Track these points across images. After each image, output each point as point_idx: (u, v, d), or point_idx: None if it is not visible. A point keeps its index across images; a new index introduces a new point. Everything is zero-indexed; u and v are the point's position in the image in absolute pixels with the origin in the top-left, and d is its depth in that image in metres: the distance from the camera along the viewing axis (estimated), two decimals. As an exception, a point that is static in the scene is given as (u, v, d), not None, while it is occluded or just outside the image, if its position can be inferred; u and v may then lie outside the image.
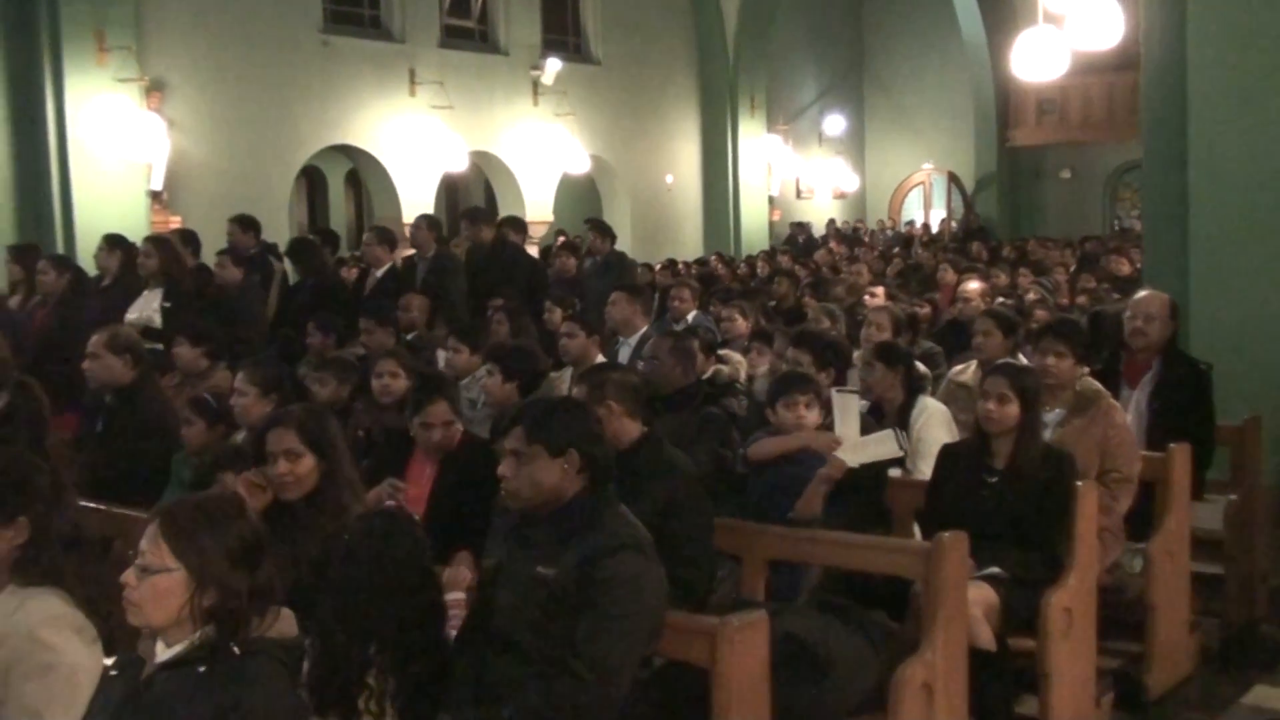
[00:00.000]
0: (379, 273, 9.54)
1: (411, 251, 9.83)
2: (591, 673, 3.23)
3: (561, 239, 15.81)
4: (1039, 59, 10.13)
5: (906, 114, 26.59)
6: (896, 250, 19.13)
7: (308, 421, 4.06)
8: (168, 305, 8.08)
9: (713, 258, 17.69)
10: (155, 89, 13.61)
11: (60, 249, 12.12)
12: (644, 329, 7.75)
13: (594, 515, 3.46)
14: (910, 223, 25.76)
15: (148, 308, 8.14)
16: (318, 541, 3.82)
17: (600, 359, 6.93)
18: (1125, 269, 12.75)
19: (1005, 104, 25.01)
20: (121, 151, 12.91)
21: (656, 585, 3.42)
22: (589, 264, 11.60)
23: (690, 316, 8.81)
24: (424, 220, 9.88)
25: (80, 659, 2.86)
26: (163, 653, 2.71)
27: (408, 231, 10.05)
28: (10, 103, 12.54)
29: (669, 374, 5.81)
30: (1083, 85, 23.16)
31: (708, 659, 3.42)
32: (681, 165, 21.61)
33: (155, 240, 8.71)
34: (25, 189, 12.64)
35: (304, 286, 9.61)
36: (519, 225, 10.86)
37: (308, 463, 3.98)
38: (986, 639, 4.39)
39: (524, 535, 3.54)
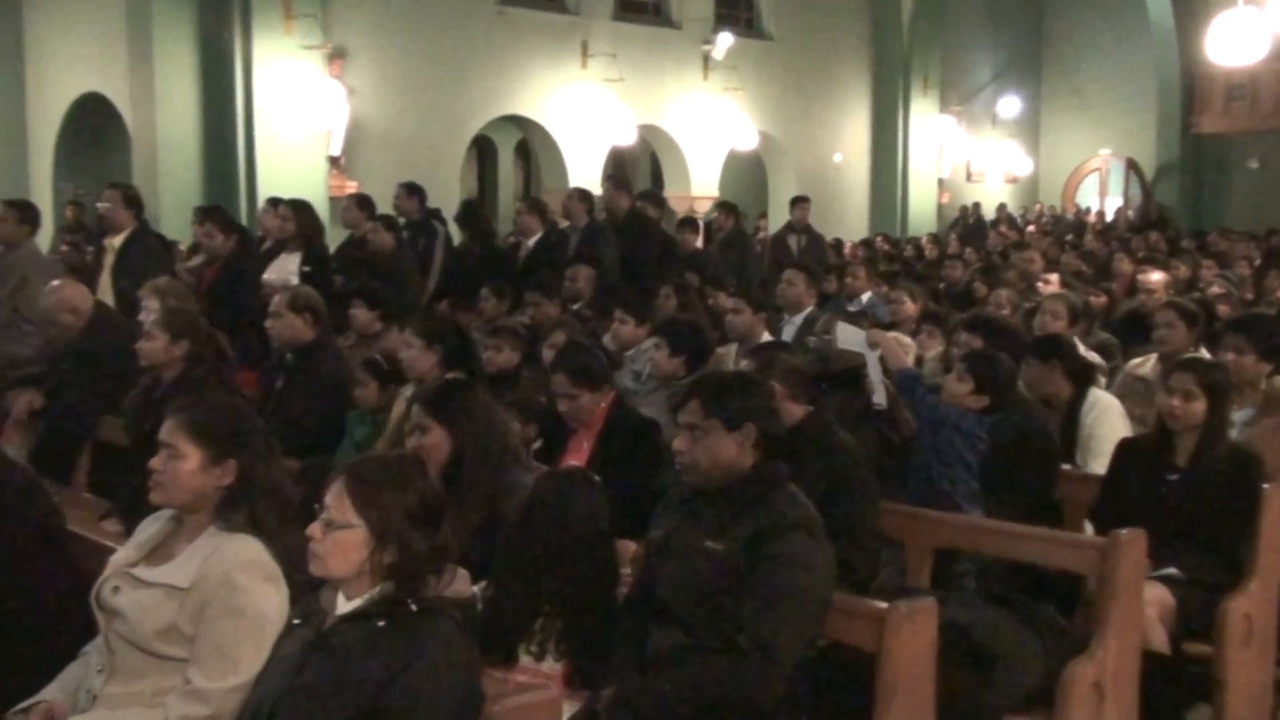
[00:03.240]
0: (530, 242, 9.68)
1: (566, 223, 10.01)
2: (755, 650, 3.22)
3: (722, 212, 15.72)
4: (1236, 42, 9.68)
5: (1085, 97, 25.75)
6: (1069, 238, 18.56)
7: (434, 397, 4.10)
8: (306, 269, 8.21)
9: (878, 239, 17.45)
10: (337, 56, 13.97)
11: (243, 211, 12.59)
12: (810, 308, 7.70)
13: (765, 492, 3.44)
14: (1085, 209, 24.96)
15: (284, 270, 8.26)
16: (470, 511, 3.86)
17: (766, 336, 6.91)
18: (1316, 264, 12.15)
19: (1191, 89, 23.96)
20: (303, 118, 13.28)
21: (825, 566, 3.39)
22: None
23: (864, 297, 8.73)
24: (576, 192, 10.17)
25: (268, 606, 2.95)
26: (343, 605, 2.80)
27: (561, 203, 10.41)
28: (201, 68, 13.00)
29: (839, 352, 5.74)
30: (1277, 70, 22.09)
31: (874, 643, 3.37)
32: (850, 144, 21.32)
33: (295, 204, 8.86)
34: (212, 153, 13.12)
35: (471, 252, 9.77)
36: (657, 199, 11.33)
37: (435, 435, 4.00)
38: (1160, 641, 4.26)
39: (694, 508, 3.53)
